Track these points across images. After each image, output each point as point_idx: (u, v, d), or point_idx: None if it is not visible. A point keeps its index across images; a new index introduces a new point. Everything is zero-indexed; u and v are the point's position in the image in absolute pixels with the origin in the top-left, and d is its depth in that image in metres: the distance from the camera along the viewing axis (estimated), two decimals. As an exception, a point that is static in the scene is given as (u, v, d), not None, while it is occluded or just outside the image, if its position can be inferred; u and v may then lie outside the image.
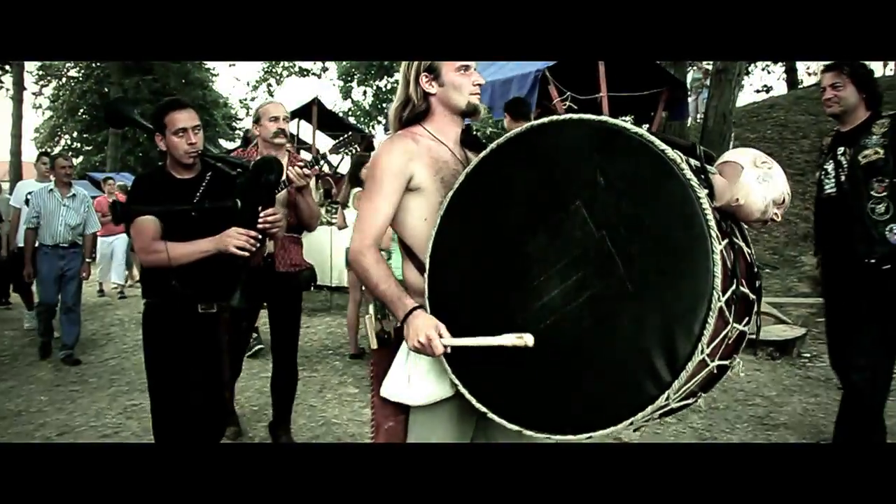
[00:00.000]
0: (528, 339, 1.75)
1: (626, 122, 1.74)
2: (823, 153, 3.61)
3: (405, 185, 2.05)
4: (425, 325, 1.87)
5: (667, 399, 1.63)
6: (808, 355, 6.03)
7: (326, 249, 8.21)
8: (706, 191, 1.67)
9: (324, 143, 15.05)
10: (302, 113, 14.96)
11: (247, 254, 2.79)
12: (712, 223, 1.61)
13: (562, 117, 1.82)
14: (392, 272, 2.03)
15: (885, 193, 3.22)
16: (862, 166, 3.27)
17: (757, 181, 1.97)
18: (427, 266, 1.98)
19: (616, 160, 1.71)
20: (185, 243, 2.82)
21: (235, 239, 2.78)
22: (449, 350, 1.86)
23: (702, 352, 1.59)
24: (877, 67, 20.01)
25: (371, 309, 2.27)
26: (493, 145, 1.92)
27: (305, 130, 15.93)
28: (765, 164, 2.03)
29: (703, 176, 1.74)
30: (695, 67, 14.89)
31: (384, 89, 25.39)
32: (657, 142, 1.68)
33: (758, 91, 27.71)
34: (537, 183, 1.82)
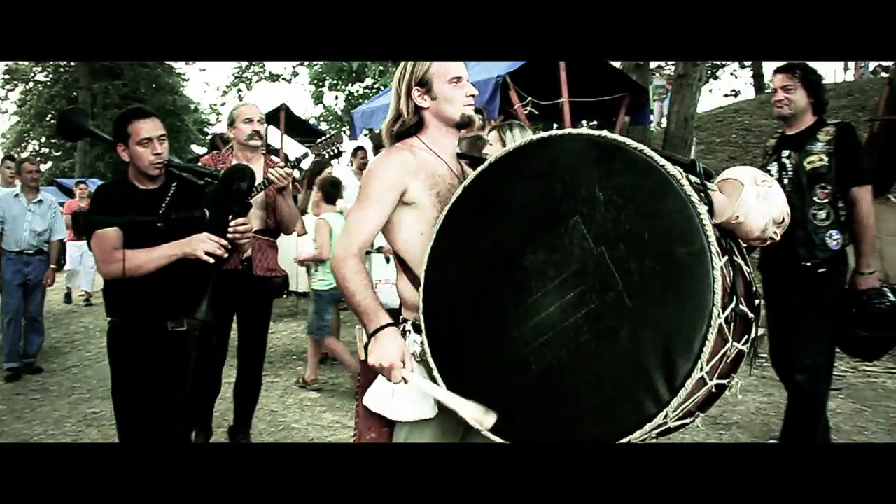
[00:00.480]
0: (488, 420, 1.73)
1: (625, 138, 1.73)
2: (767, 154, 3.67)
3: (398, 198, 2.02)
4: (392, 350, 1.86)
5: (665, 417, 1.60)
6: (766, 355, 6.12)
7: (293, 254, 8.18)
8: (706, 207, 1.66)
9: (292, 149, 15.02)
10: (270, 119, 14.91)
11: (213, 261, 2.64)
12: (713, 239, 1.60)
13: (562, 132, 1.81)
14: (371, 283, 2.00)
15: (826, 200, 3.30)
16: (807, 172, 3.33)
17: (757, 199, 1.96)
18: (422, 280, 1.94)
19: (616, 175, 1.70)
20: (147, 249, 2.64)
21: (205, 243, 2.62)
22: (411, 381, 1.85)
23: (701, 369, 1.57)
24: (838, 72, 20.37)
25: None
26: (491, 159, 1.89)
27: (274, 136, 15.87)
28: (765, 183, 2.02)
29: (703, 192, 1.73)
30: (657, 75, 15.11)
31: (355, 94, 25.20)
32: (657, 157, 1.66)
33: (727, 95, 28.08)
34: (536, 197, 1.80)
